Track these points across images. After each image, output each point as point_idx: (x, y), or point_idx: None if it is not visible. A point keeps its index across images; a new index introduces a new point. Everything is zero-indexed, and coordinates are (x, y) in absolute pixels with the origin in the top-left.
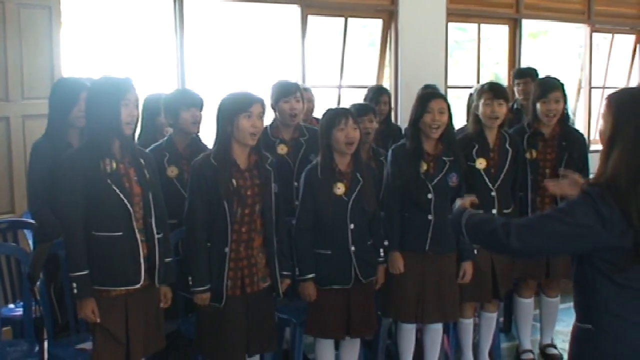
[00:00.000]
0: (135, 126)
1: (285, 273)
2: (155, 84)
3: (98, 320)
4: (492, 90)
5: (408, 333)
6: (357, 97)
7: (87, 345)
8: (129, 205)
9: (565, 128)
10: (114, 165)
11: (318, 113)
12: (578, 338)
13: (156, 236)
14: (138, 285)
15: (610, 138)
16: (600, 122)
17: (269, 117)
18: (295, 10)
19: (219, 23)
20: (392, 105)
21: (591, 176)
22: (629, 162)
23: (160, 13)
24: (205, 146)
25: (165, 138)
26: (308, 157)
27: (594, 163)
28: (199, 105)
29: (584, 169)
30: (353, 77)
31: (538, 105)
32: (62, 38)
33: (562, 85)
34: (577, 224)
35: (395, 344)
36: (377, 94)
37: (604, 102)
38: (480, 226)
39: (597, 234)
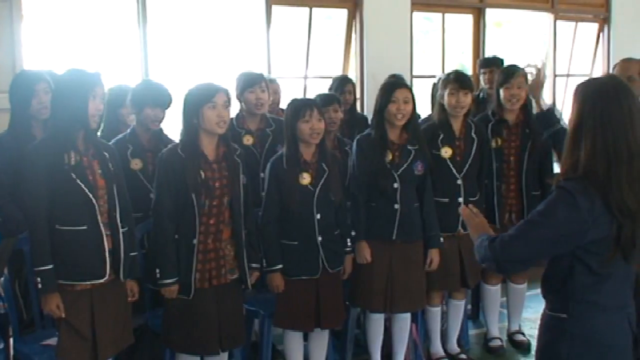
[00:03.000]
0: (100, 120)
1: (254, 265)
2: (119, 76)
3: (63, 315)
4: (458, 80)
5: (377, 322)
6: (323, 87)
7: (53, 341)
8: (93, 199)
9: (528, 116)
10: (77, 158)
11: (284, 104)
12: (550, 327)
13: (121, 230)
14: (103, 280)
15: (577, 128)
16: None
17: (234, 109)
18: (259, 0)
19: (183, 14)
20: (358, 95)
21: (556, 164)
22: (601, 149)
23: (123, 4)
24: (168, 138)
25: (129, 130)
26: (274, 147)
27: None
28: (165, 105)
29: (547, 156)
30: (319, 68)
31: (501, 92)
32: (23, 31)
33: (525, 72)
34: (560, 224)
35: (364, 333)
36: (342, 83)
37: (573, 92)
38: (480, 253)
39: (582, 230)
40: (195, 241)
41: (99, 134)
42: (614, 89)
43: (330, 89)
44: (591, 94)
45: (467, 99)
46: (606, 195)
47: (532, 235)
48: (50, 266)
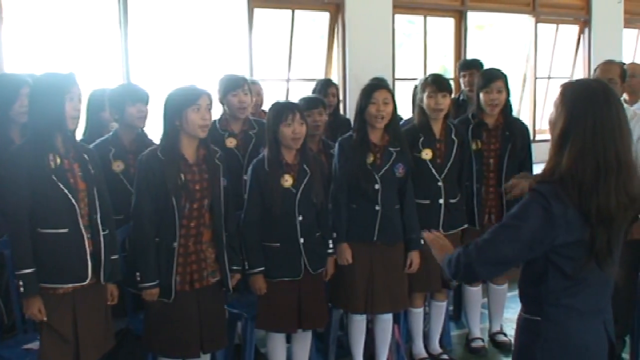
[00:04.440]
0: (78, 121)
1: (235, 268)
2: (100, 78)
3: (45, 319)
4: (435, 83)
5: (359, 324)
6: (306, 90)
7: (35, 345)
8: (73, 201)
9: (508, 118)
10: (58, 160)
11: (267, 106)
12: (526, 329)
13: (102, 233)
14: (85, 283)
15: (564, 132)
16: (552, 110)
17: (217, 111)
18: (241, 2)
19: (164, 16)
20: (341, 98)
21: (535, 166)
22: (588, 158)
23: (104, 6)
24: (151, 141)
25: (111, 133)
26: (258, 150)
27: (537, 153)
28: (145, 100)
29: (527, 158)
30: (301, 70)
31: (481, 95)
32: (3, 33)
33: (504, 76)
34: (532, 227)
35: (347, 335)
36: (325, 86)
37: (558, 91)
38: (452, 266)
39: (554, 233)
40: (175, 244)
41: (81, 137)
42: (604, 95)
43: (313, 92)
44: (581, 99)
45: (445, 101)
46: (585, 201)
47: (506, 238)
48: (32, 269)
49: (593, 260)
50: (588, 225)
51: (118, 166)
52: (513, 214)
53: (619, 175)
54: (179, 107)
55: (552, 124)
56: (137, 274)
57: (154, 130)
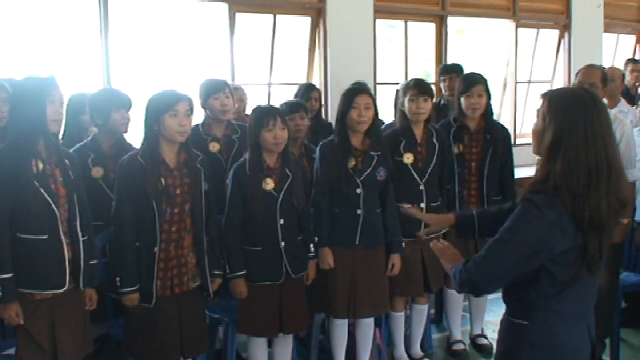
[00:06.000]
0: (61, 125)
1: (216, 272)
2: (81, 83)
3: (22, 322)
4: (417, 87)
5: (341, 328)
6: (288, 94)
7: (14, 351)
8: (54, 207)
9: (489, 122)
10: (41, 166)
11: (250, 111)
12: (511, 333)
13: (81, 239)
14: (63, 290)
15: (556, 142)
16: (537, 121)
17: (199, 116)
18: (223, 7)
19: (146, 21)
20: (323, 102)
21: (516, 170)
22: (581, 166)
23: (85, 10)
24: (131, 146)
25: (90, 138)
26: (241, 154)
27: (518, 157)
28: (128, 106)
29: (508, 162)
30: (283, 75)
31: (462, 100)
32: None
33: (485, 80)
34: (529, 239)
35: (329, 339)
36: (307, 90)
37: (542, 101)
38: (457, 280)
39: (550, 244)
40: (156, 249)
41: (60, 141)
42: (593, 102)
43: (296, 96)
44: (572, 108)
45: (427, 106)
46: (579, 208)
47: (503, 252)
48: (11, 275)
49: (584, 266)
50: (581, 232)
51: (97, 172)
52: (508, 227)
53: (610, 181)
54: (158, 112)
55: (539, 133)
56: (118, 279)
57: (136, 135)
